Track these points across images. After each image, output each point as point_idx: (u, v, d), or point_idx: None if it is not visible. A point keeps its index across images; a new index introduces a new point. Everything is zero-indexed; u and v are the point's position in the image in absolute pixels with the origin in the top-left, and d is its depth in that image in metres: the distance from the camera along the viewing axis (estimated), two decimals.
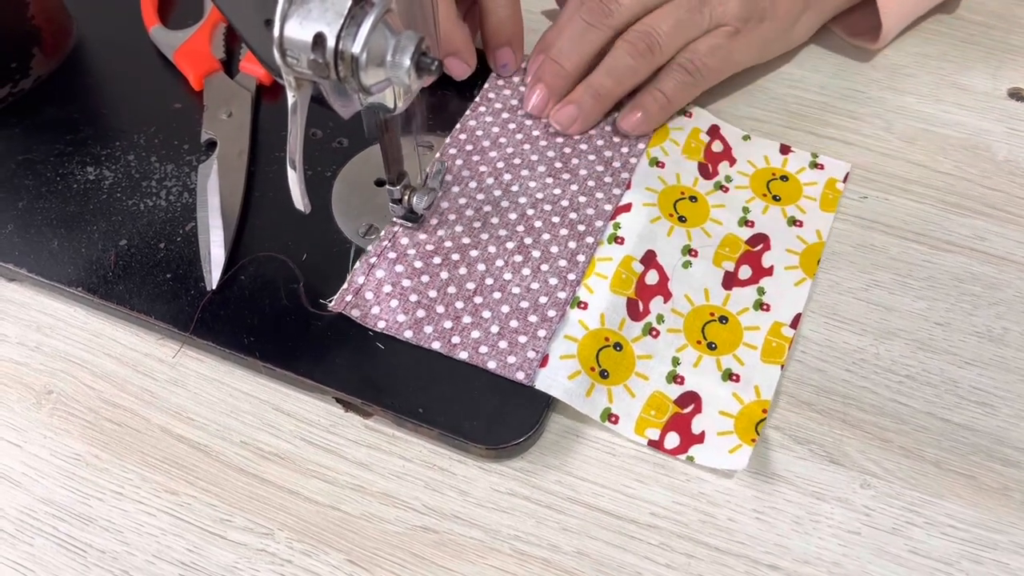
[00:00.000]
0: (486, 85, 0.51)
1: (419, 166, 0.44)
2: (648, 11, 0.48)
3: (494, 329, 0.41)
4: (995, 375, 0.42)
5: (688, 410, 0.40)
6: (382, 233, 0.44)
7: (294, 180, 0.37)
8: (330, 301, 0.42)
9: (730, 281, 0.44)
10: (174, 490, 0.39)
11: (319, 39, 0.32)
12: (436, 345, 0.41)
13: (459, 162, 0.48)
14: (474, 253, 0.44)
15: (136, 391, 0.42)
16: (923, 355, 0.42)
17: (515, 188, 0.46)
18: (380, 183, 0.47)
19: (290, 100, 0.35)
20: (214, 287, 0.43)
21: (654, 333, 0.42)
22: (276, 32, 0.32)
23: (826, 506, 0.38)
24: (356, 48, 0.32)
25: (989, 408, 0.41)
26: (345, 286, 0.42)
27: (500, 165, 0.48)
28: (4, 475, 0.39)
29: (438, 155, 0.47)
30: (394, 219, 0.45)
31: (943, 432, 0.40)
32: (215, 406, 0.41)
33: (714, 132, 0.50)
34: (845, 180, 0.48)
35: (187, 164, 0.48)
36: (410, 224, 0.45)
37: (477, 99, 0.51)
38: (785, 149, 0.50)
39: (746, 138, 0.50)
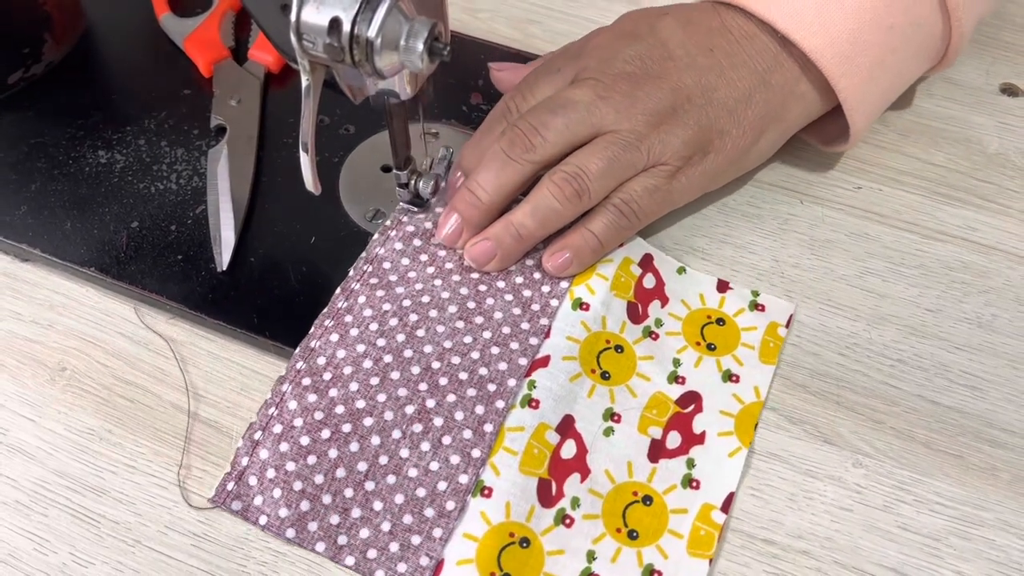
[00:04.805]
0: (398, 207, 0.46)
1: (425, 152, 0.46)
2: (576, 145, 0.43)
3: (385, 527, 0.37)
4: (984, 360, 0.43)
5: None
6: (268, 397, 0.40)
7: (306, 162, 0.38)
8: (212, 491, 0.38)
9: (657, 452, 0.39)
10: (185, 464, 0.40)
11: (335, 23, 0.33)
12: (320, 547, 0.37)
13: (361, 299, 0.42)
14: (368, 422, 0.39)
15: (148, 369, 0.42)
16: (914, 340, 0.43)
17: (421, 333, 0.41)
18: (387, 169, 0.48)
19: (303, 84, 0.36)
20: (224, 268, 0.44)
21: (568, 521, 0.37)
22: (293, 17, 0.33)
23: (819, 484, 0.39)
24: (371, 33, 0.33)
25: (978, 391, 0.42)
26: (229, 469, 0.38)
27: (407, 303, 0.42)
28: (19, 448, 0.40)
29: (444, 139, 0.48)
30: (401, 204, 0.46)
31: (933, 414, 0.41)
32: (225, 384, 0.42)
33: (647, 263, 0.45)
34: (788, 324, 0.43)
35: (197, 149, 0.49)
36: (416, 208, 0.46)
37: (388, 222, 0.45)
38: (723, 286, 0.45)
39: (681, 271, 0.45)
